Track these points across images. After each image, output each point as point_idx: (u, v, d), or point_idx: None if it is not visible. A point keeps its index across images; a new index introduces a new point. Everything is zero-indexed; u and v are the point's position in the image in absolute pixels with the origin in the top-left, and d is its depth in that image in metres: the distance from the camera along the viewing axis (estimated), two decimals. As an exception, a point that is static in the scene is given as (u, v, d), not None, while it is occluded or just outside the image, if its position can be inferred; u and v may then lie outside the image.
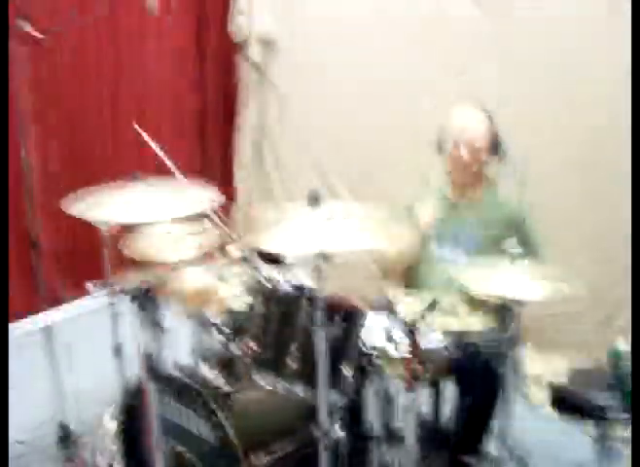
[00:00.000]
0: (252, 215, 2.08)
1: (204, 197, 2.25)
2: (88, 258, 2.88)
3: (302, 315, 2.09)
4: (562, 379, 2.49)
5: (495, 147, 2.73)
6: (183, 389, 2.22)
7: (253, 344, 2.17)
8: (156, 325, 2.67)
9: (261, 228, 1.88)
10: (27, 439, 2.92)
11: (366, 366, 2.21)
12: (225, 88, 5.20)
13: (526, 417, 2.49)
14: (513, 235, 2.62)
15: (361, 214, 1.94)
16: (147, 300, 1.87)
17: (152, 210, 2.12)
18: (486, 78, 3.81)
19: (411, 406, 2.11)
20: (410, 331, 2.06)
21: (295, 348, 2.08)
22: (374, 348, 2.17)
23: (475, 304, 2.23)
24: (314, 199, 1.86)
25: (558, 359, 3.55)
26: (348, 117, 4.52)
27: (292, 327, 2.10)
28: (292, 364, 2.07)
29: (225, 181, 5.20)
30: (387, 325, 2.17)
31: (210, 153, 5.29)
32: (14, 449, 2.69)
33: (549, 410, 2.53)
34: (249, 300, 2.28)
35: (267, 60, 4.94)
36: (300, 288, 2.14)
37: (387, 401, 2.27)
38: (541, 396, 3.34)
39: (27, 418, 3.00)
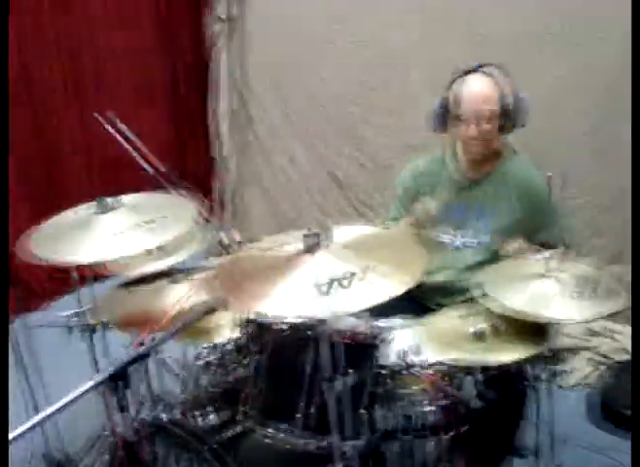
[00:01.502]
0: (238, 263, 1.69)
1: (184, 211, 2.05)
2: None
3: (307, 359, 1.78)
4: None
5: (509, 118, 2.37)
6: (178, 440, 1.97)
7: (250, 388, 1.88)
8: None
9: (251, 283, 1.55)
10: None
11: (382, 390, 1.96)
12: (195, 48, 4.82)
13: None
14: (533, 217, 2.39)
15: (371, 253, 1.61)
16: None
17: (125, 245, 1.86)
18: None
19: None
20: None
21: (302, 397, 1.78)
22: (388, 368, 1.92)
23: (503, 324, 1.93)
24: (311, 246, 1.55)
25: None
26: (325, 70, 4.25)
27: (296, 372, 1.79)
28: (299, 413, 1.78)
29: (202, 149, 4.90)
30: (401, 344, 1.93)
31: (184, 120, 4.98)
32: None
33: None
34: (240, 333, 1.98)
35: (237, 13, 4.53)
36: (302, 327, 1.82)
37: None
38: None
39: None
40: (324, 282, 1.46)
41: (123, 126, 2.34)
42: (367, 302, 1.43)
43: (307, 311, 1.45)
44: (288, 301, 1.46)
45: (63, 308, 2.35)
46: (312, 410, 1.77)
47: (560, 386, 2.90)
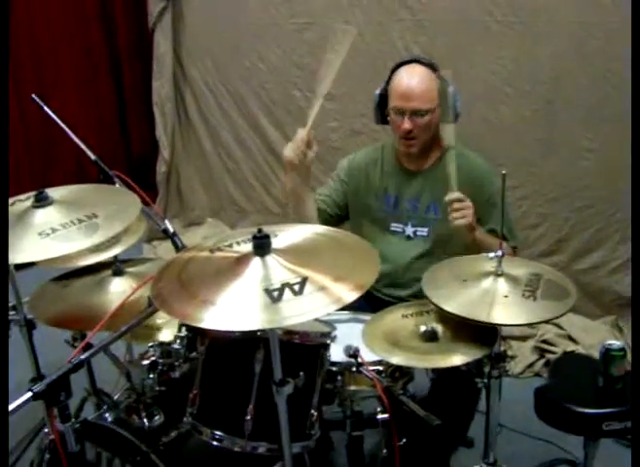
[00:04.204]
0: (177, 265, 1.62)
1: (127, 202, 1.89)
2: None
3: (257, 360, 1.72)
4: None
5: (448, 108, 2.34)
6: (117, 443, 1.91)
7: (197, 388, 1.82)
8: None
9: (198, 287, 1.49)
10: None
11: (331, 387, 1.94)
12: (136, 27, 4.68)
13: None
14: (480, 205, 2.37)
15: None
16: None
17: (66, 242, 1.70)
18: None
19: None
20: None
21: (250, 402, 1.73)
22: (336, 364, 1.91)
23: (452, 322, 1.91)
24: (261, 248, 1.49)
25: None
26: (266, 51, 4.24)
27: (244, 373, 1.74)
28: (246, 418, 1.72)
29: (146, 130, 4.78)
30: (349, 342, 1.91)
31: (127, 100, 4.86)
32: None
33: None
34: (184, 332, 1.92)
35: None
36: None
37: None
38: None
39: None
40: (275, 287, 1.41)
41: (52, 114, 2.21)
42: (320, 309, 1.38)
43: (256, 322, 1.38)
44: (236, 309, 1.39)
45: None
46: (261, 412, 1.72)
47: (507, 374, 2.93)
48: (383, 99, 2.37)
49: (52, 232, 1.71)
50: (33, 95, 2.25)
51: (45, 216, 1.80)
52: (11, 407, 1.36)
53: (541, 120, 3.44)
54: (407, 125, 2.29)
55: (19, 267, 1.88)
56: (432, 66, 2.34)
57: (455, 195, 2.19)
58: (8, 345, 1.75)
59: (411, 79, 2.31)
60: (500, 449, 2.10)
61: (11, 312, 2.23)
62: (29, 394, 1.38)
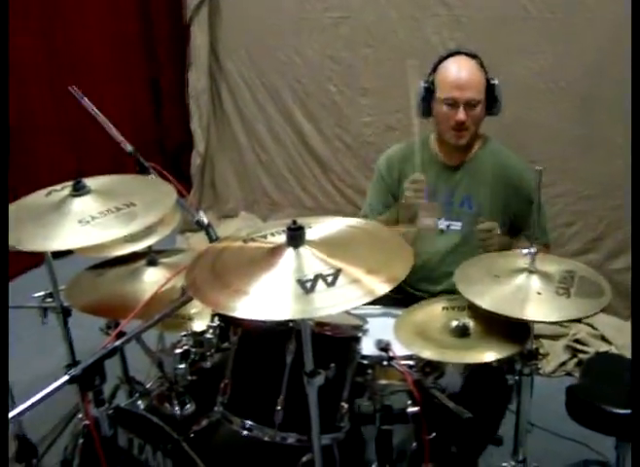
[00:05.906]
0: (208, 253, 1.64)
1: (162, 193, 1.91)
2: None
3: (288, 351, 1.73)
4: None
5: (492, 100, 2.35)
6: (149, 430, 1.92)
7: (228, 378, 1.84)
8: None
9: (231, 276, 1.50)
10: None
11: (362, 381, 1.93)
12: (173, 20, 4.71)
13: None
14: (515, 201, 2.37)
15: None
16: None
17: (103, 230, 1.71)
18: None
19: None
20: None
21: (281, 392, 1.74)
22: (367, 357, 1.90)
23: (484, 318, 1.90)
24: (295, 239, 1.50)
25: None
26: (302, 45, 4.24)
27: (276, 364, 1.75)
28: (277, 409, 1.74)
29: (180, 123, 4.81)
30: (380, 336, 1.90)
31: (162, 92, 4.89)
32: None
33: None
34: (216, 322, 1.94)
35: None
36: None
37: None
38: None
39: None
40: (308, 278, 1.41)
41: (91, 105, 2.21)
42: (353, 301, 1.38)
43: (288, 312, 1.39)
44: (269, 299, 1.40)
45: (30, 286, 2.26)
46: (292, 402, 1.73)
47: (538, 373, 2.91)
48: (429, 92, 2.36)
49: (91, 219, 1.73)
50: (70, 87, 2.27)
51: (83, 204, 1.82)
52: (47, 390, 1.39)
53: (576, 116, 3.40)
54: (461, 115, 2.29)
55: (57, 255, 1.91)
56: (476, 58, 2.34)
57: (486, 225, 2.26)
58: (8, 345, 1.78)
59: (463, 70, 2.31)
60: (530, 447, 2.09)
61: (48, 299, 2.27)
62: (66, 378, 1.41)
